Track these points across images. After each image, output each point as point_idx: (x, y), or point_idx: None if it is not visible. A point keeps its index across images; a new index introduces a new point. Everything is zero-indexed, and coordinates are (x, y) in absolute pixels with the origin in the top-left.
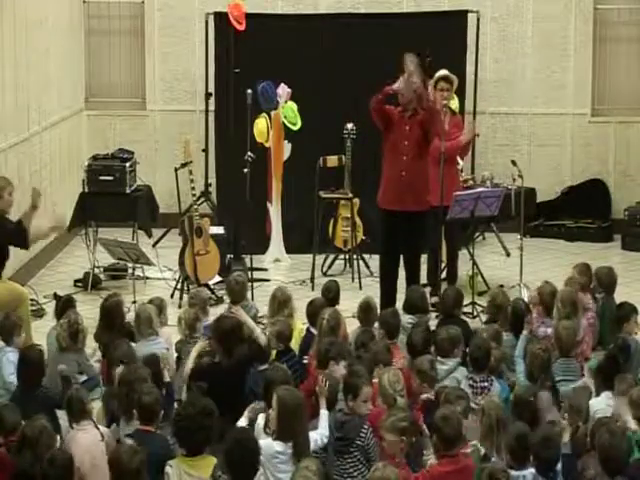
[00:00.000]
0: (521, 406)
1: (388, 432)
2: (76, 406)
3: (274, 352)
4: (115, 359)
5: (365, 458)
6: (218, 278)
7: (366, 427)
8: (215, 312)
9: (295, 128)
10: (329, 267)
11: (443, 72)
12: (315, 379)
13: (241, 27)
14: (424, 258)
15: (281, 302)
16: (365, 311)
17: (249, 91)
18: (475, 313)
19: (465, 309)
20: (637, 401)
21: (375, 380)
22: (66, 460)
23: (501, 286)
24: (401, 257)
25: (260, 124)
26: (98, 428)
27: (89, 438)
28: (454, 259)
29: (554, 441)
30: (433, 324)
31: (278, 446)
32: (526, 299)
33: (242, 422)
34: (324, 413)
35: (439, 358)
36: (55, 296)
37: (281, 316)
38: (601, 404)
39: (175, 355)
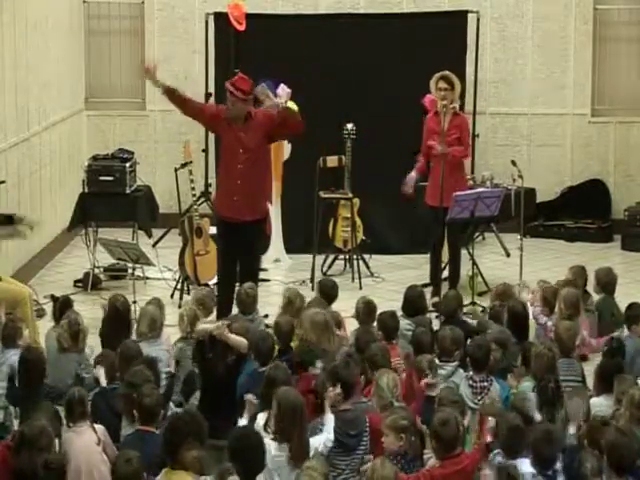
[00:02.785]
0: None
1: (388, 430)
2: (77, 407)
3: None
4: (128, 358)
5: (364, 451)
6: None
7: (366, 419)
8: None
9: None
10: (329, 267)
11: (443, 72)
12: (308, 380)
13: (241, 27)
14: (425, 258)
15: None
16: (365, 311)
17: None
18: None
19: (465, 309)
20: (638, 401)
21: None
22: (61, 464)
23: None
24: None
25: None
26: (95, 431)
27: (85, 440)
28: (456, 259)
29: (555, 436)
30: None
31: (275, 448)
32: (526, 299)
33: (243, 421)
34: (330, 417)
35: (438, 362)
36: (52, 297)
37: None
38: (601, 405)
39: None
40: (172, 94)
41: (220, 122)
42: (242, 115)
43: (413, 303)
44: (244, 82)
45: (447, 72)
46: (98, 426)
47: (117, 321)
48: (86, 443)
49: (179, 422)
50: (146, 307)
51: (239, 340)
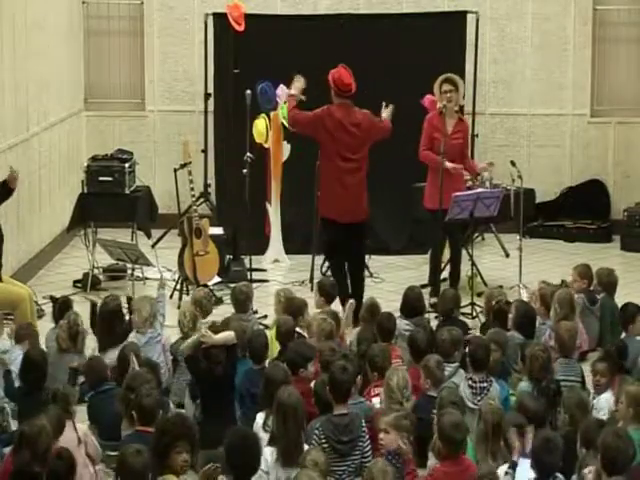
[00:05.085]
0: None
1: (390, 428)
2: (60, 404)
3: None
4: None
5: (361, 454)
6: (217, 279)
7: (363, 422)
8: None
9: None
10: (328, 268)
11: (446, 74)
12: (301, 381)
13: (240, 28)
14: (424, 259)
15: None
16: (369, 311)
17: (248, 92)
18: (474, 314)
19: (464, 309)
20: (636, 397)
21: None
22: (71, 457)
23: (500, 287)
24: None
25: (259, 125)
26: (77, 430)
27: (65, 438)
28: (457, 260)
29: (556, 444)
30: (432, 325)
31: (270, 450)
32: (525, 299)
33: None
34: None
35: None
36: (51, 298)
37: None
38: (601, 405)
39: (171, 357)
40: None
41: None
42: None
43: (412, 304)
44: None
45: (450, 74)
46: (80, 426)
47: (108, 326)
48: (65, 441)
49: (168, 425)
50: (136, 301)
51: (225, 336)
